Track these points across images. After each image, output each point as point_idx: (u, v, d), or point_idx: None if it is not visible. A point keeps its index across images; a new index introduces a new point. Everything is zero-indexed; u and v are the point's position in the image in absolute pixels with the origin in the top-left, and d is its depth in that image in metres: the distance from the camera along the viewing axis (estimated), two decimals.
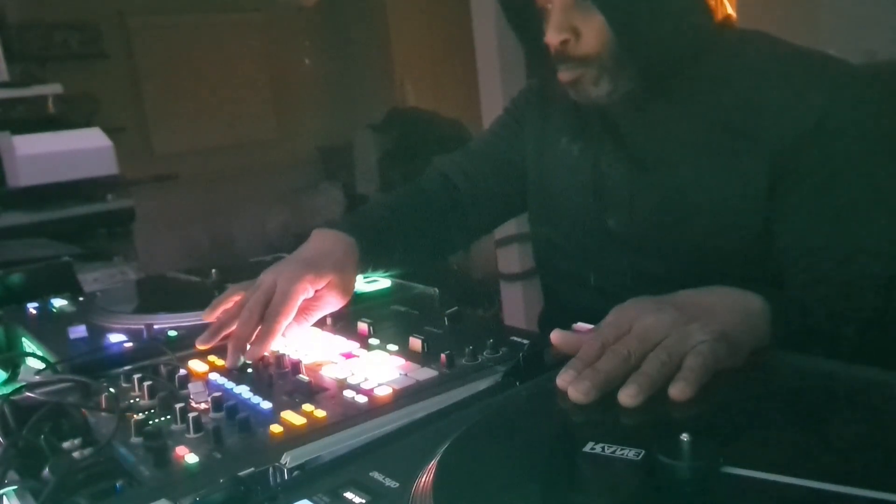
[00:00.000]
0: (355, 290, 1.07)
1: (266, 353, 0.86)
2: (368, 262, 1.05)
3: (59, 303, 1.17)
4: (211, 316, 0.95)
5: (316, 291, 0.95)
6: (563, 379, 0.64)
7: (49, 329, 1.04)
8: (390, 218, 1.13)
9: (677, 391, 0.61)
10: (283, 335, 0.90)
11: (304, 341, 0.91)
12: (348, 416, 0.68)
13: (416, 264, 1.16)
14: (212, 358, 0.87)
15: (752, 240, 0.91)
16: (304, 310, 0.94)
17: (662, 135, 0.97)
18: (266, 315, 0.90)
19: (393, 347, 0.85)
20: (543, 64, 0.98)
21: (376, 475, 0.55)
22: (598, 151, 1.03)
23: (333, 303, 0.98)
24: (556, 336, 0.73)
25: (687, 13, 0.93)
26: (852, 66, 0.91)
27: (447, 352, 0.78)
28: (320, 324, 0.96)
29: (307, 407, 0.69)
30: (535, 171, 1.16)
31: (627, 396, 0.61)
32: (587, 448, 0.53)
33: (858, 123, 0.86)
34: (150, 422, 0.69)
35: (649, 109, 0.97)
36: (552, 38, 0.93)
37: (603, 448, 0.52)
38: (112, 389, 0.76)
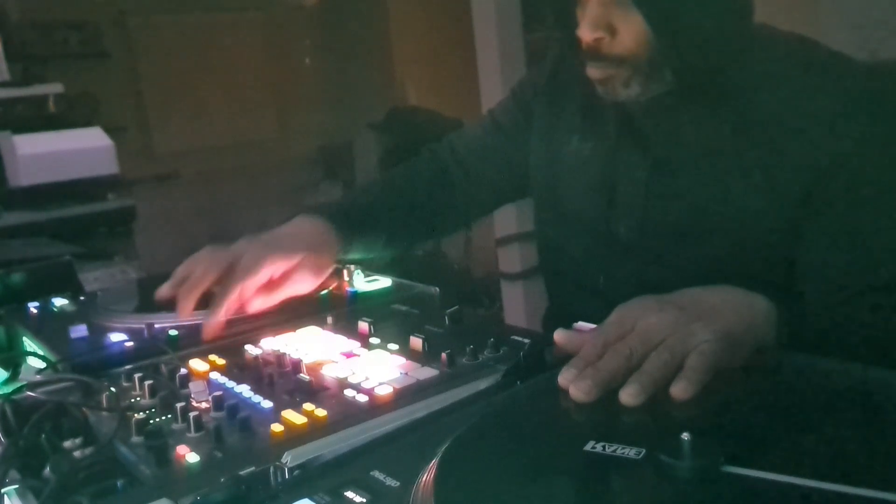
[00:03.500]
0: (356, 289, 1.08)
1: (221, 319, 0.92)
2: (349, 245, 1.07)
3: (59, 302, 1.17)
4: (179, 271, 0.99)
5: (285, 271, 0.99)
6: (564, 378, 0.64)
7: (50, 328, 1.04)
8: (377, 200, 1.15)
9: (679, 391, 0.61)
10: (248, 309, 0.96)
11: (304, 341, 0.91)
12: (349, 415, 0.68)
13: (405, 246, 1.19)
14: (213, 357, 0.87)
15: (771, 257, 0.89)
16: (272, 286, 0.98)
17: (688, 141, 0.94)
18: (225, 279, 0.94)
19: (394, 346, 0.85)
20: (574, 54, 0.94)
21: (377, 474, 0.55)
22: (612, 152, 1.00)
23: (303, 283, 1.01)
24: (559, 335, 0.72)
25: (728, 13, 0.88)
26: (891, 83, 0.89)
27: (448, 351, 0.78)
28: (320, 323, 0.96)
29: (308, 406, 0.69)
30: (542, 169, 1.13)
31: (629, 396, 0.61)
32: (588, 447, 0.53)
33: None
34: (151, 421, 0.69)
35: (678, 113, 0.94)
36: (585, 34, 0.89)
37: (604, 447, 0.52)
38: (113, 389, 0.76)
